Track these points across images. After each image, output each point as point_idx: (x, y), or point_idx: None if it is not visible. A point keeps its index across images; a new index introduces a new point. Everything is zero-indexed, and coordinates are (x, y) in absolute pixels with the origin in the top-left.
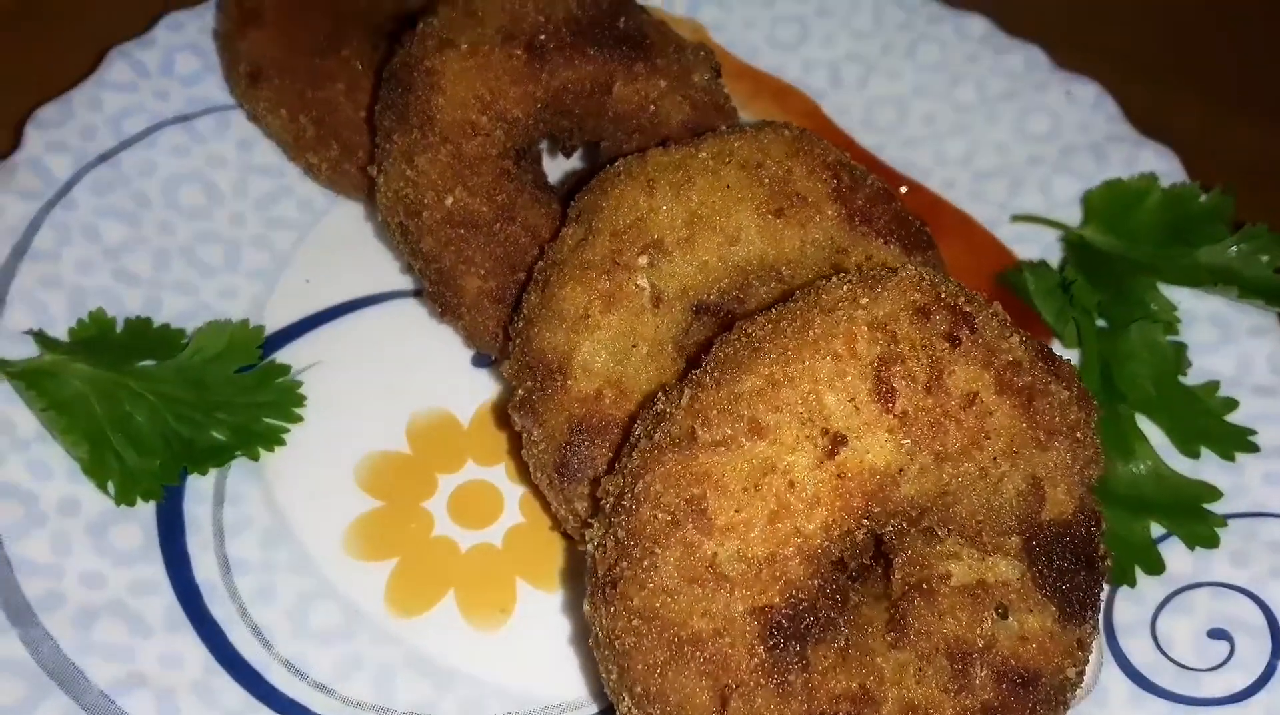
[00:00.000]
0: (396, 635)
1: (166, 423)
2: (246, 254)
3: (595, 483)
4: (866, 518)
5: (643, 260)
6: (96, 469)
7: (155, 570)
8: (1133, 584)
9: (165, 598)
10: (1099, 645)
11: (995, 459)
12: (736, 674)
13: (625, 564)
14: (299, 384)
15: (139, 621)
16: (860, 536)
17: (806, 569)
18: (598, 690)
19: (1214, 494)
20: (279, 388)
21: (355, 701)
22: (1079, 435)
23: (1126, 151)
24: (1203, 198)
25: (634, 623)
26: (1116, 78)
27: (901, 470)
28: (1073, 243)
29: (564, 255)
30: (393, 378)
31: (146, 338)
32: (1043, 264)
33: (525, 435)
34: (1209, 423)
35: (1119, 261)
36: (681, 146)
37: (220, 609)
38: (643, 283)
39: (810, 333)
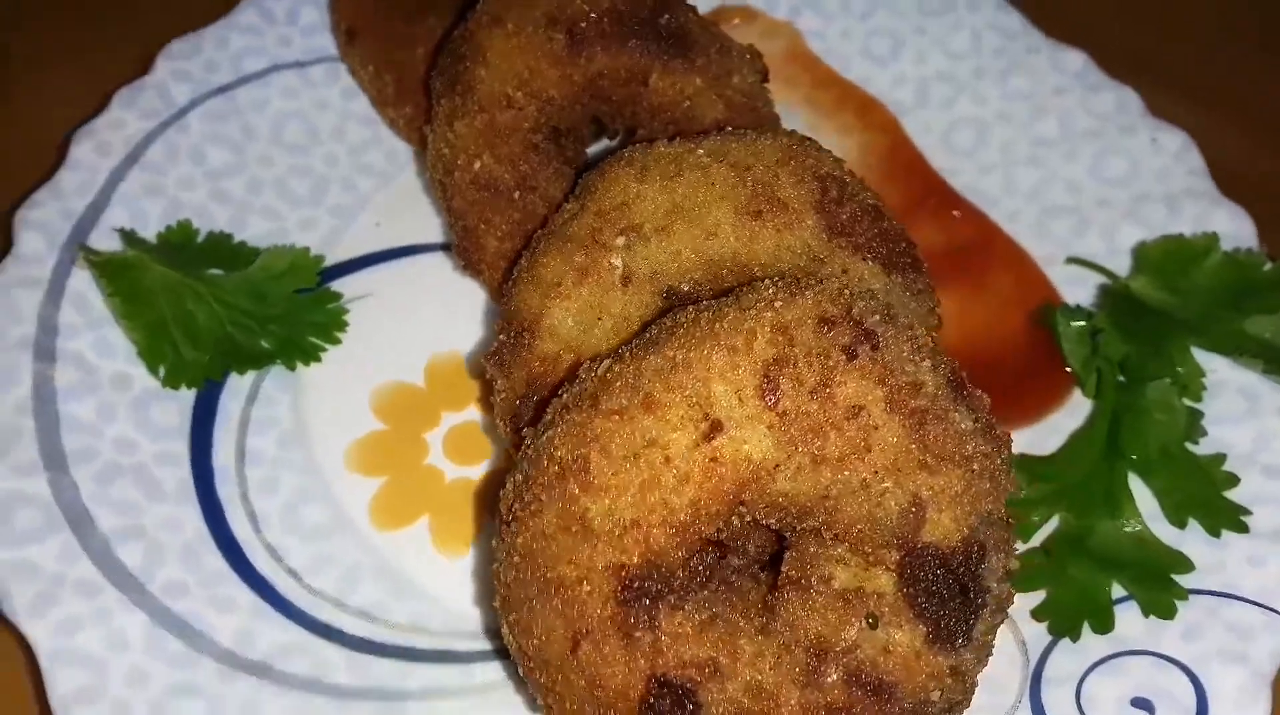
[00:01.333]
0: (370, 544)
1: (222, 325)
2: (331, 191)
3: None
4: (742, 504)
5: (620, 241)
6: (151, 354)
7: (180, 447)
8: (1075, 638)
9: (182, 471)
10: (1020, 687)
11: (877, 473)
12: (588, 621)
13: (518, 506)
14: (345, 311)
15: (154, 486)
16: (739, 523)
17: (670, 539)
18: None
19: (1185, 566)
20: (327, 312)
21: (318, 590)
22: (976, 467)
23: (1201, 208)
24: (1267, 266)
25: (515, 559)
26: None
27: (777, 466)
28: (1115, 292)
29: (555, 226)
30: (424, 318)
31: (222, 250)
32: (1078, 309)
33: (493, 383)
34: (1205, 495)
35: (1158, 318)
36: (685, 142)
37: (226, 490)
38: (616, 262)
39: (718, 325)
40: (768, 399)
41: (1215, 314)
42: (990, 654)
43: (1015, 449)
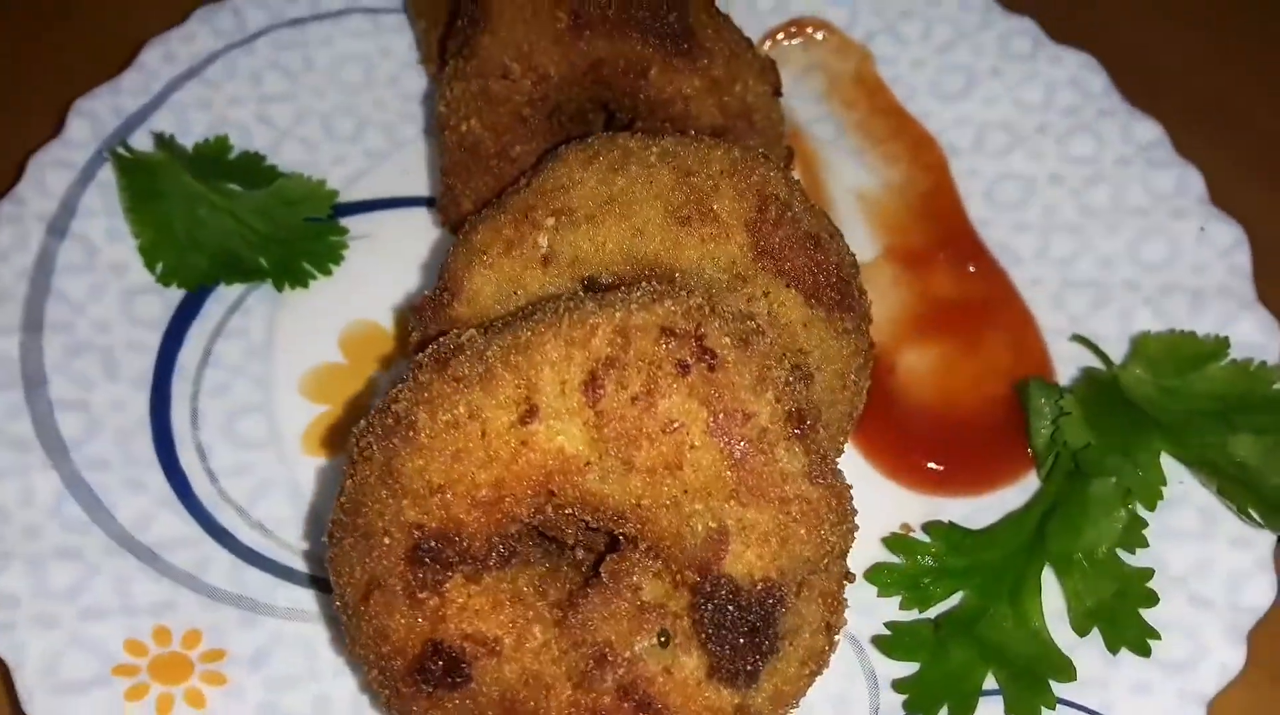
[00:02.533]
0: (291, 465)
1: (227, 237)
2: (369, 134)
3: None
4: (552, 494)
5: (549, 222)
6: (151, 252)
7: (152, 339)
8: None
9: (145, 361)
10: None
11: (687, 492)
12: (382, 573)
13: (354, 450)
14: (345, 247)
15: (114, 368)
16: (554, 513)
17: (470, 512)
18: None
19: (1067, 674)
20: (328, 243)
21: (227, 495)
22: (794, 510)
23: (1227, 309)
24: (1278, 385)
25: (342, 499)
26: None
27: (588, 463)
28: (1093, 377)
29: (502, 198)
30: (411, 267)
31: (250, 170)
32: (1054, 387)
33: (411, 333)
34: (1117, 608)
35: (1135, 414)
36: (647, 138)
37: (180, 386)
38: (542, 241)
39: (571, 316)
40: (589, 396)
41: (1200, 423)
42: (793, 705)
43: (952, 516)
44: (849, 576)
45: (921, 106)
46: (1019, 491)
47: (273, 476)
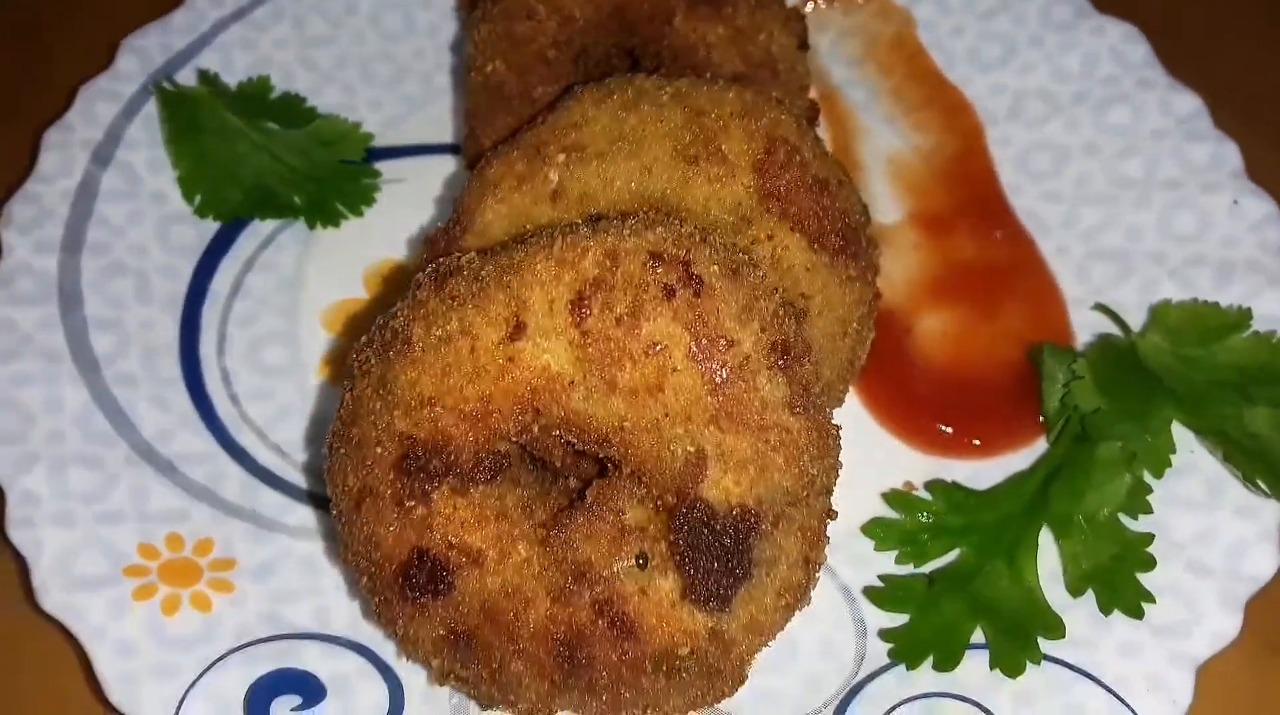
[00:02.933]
0: (309, 392)
1: (264, 174)
2: (408, 81)
3: None
4: (538, 412)
5: (560, 158)
6: (189, 183)
7: (186, 267)
8: (911, 667)
9: (178, 286)
10: (835, 694)
11: (668, 415)
12: (374, 480)
13: (355, 363)
14: (377, 189)
15: (147, 291)
16: (539, 432)
17: (458, 425)
18: None
19: (1056, 630)
20: (361, 186)
21: (248, 417)
22: (773, 438)
23: (1252, 284)
24: None
25: (341, 410)
26: None
27: (573, 382)
28: (1108, 342)
29: (518, 134)
30: (437, 211)
31: (290, 110)
32: (1069, 352)
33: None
34: (1114, 570)
35: (1149, 382)
36: (661, 79)
37: (210, 313)
38: (553, 176)
39: (564, 238)
40: (575, 315)
41: (1216, 393)
42: (770, 637)
43: (958, 477)
44: (831, 513)
45: (961, 73)
46: (1028, 456)
47: (291, 402)
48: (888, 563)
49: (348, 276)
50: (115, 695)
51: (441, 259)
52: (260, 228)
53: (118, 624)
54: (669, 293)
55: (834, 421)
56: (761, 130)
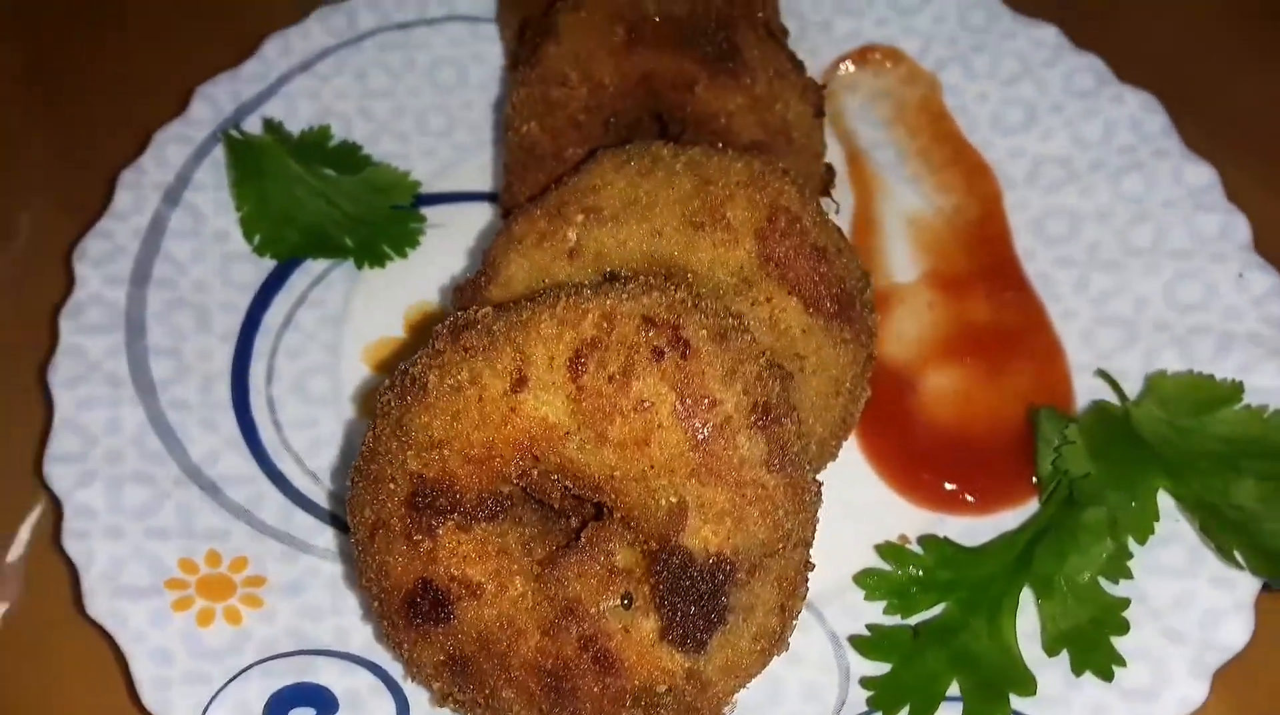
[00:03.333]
0: (346, 425)
1: (319, 216)
2: (458, 131)
3: None
4: (535, 459)
5: (579, 218)
6: (250, 224)
7: (243, 301)
8: None
9: (234, 320)
10: None
11: (654, 467)
12: (386, 514)
13: (381, 401)
14: (421, 233)
15: (206, 322)
16: (539, 476)
17: (464, 467)
18: None
19: (1027, 688)
20: (407, 229)
21: (289, 444)
22: (749, 493)
23: (1251, 357)
24: None
25: (363, 448)
26: None
27: (568, 433)
28: (1102, 408)
29: (544, 194)
30: (476, 256)
31: (346, 157)
32: (1063, 417)
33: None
34: (1089, 633)
35: (1140, 449)
36: (680, 148)
37: (261, 343)
38: (571, 235)
39: (568, 299)
40: (572, 372)
41: (1205, 465)
42: (747, 680)
43: (952, 532)
44: (809, 565)
45: (982, 137)
46: (1021, 516)
47: (329, 432)
48: (876, 612)
49: (389, 315)
50: (148, 698)
51: (460, 312)
52: (313, 267)
53: (156, 632)
54: (658, 354)
55: (816, 479)
56: (765, 200)
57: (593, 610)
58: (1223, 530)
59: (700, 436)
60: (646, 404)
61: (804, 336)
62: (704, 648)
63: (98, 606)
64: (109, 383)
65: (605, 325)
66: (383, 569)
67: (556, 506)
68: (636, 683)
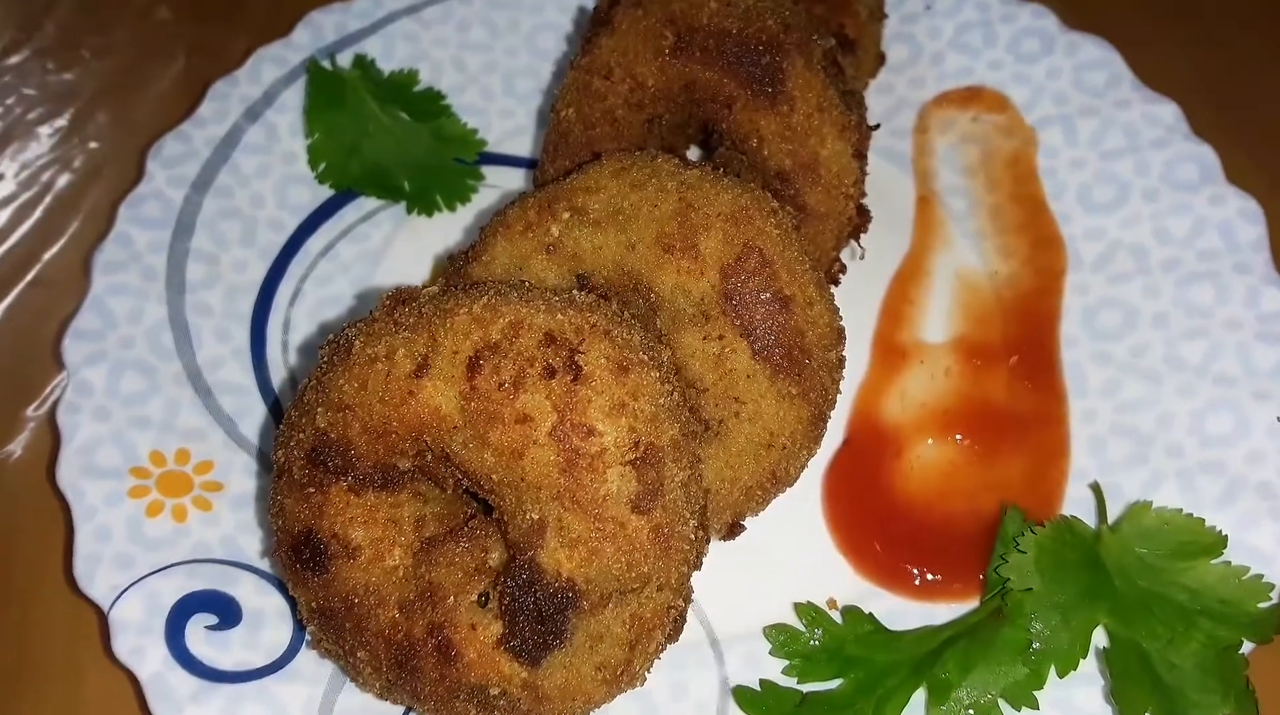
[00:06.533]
0: None
1: (383, 154)
2: (541, 99)
3: None
4: (425, 442)
5: (566, 215)
6: (317, 150)
7: (292, 221)
8: None
9: (279, 237)
10: None
11: (524, 481)
12: (290, 460)
13: (321, 352)
14: (475, 190)
15: (252, 235)
16: (432, 460)
17: (362, 435)
18: None
19: None
20: (464, 184)
21: (291, 363)
22: (607, 529)
23: (1258, 511)
24: (1267, 603)
25: (297, 391)
26: None
27: (455, 427)
28: (1074, 530)
29: (547, 185)
30: None
31: (426, 103)
32: (1028, 523)
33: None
34: None
35: (1094, 580)
36: (680, 164)
37: (296, 265)
38: (554, 231)
39: (489, 297)
40: (470, 370)
41: (1157, 611)
42: (589, 706)
43: (884, 609)
44: (672, 611)
45: (1064, 207)
46: (957, 610)
47: None
48: (775, 668)
49: (418, 264)
50: (76, 568)
51: (406, 285)
52: (365, 203)
53: (107, 511)
54: (550, 372)
55: (698, 527)
56: (740, 236)
57: (449, 600)
58: (1141, 688)
59: (571, 462)
60: (528, 418)
61: (746, 382)
62: (538, 663)
63: (64, 477)
64: (145, 275)
65: (510, 333)
66: (280, 509)
67: (448, 491)
68: (472, 679)
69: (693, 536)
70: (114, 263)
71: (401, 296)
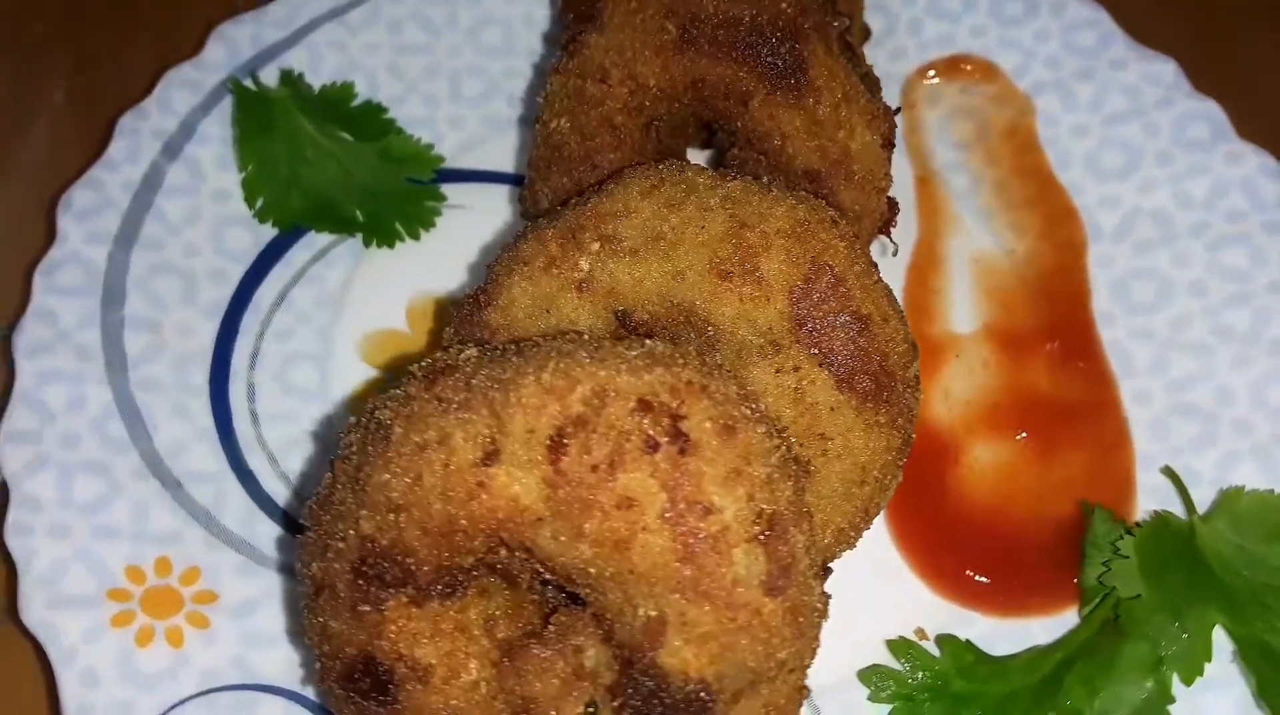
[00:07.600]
0: (329, 421)
1: (327, 182)
2: (494, 102)
3: None
4: (504, 536)
5: (594, 246)
6: (253, 185)
7: (236, 271)
8: None
9: (223, 292)
10: None
11: (633, 573)
12: (331, 574)
13: (343, 442)
14: (438, 213)
15: (193, 292)
16: (507, 555)
17: (421, 539)
18: None
19: None
20: (423, 208)
21: (264, 440)
22: (740, 618)
23: None
24: None
25: (319, 491)
26: None
27: (541, 520)
28: (1163, 521)
29: (560, 210)
30: (489, 246)
31: (366, 118)
32: (1119, 523)
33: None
34: None
35: (1202, 574)
36: (718, 175)
37: (249, 321)
38: (584, 265)
39: (558, 362)
40: (552, 452)
41: (1270, 602)
42: None
43: (975, 633)
44: (803, 691)
45: (1073, 177)
46: (1055, 624)
47: (309, 431)
48: (878, 712)
49: (392, 304)
50: None
51: (440, 354)
52: (315, 240)
53: (90, 649)
54: (652, 446)
55: (824, 592)
56: (806, 254)
57: (552, 713)
58: (1273, 676)
59: (690, 547)
60: (632, 502)
61: (831, 415)
62: None
63: (31, 616)
64: (77, 354)
65: (596, 402)
66: (324, 632)
67: (524, 587)
68: None
69: (819, 606)
70: (38, 344)
71: (439, 366)
